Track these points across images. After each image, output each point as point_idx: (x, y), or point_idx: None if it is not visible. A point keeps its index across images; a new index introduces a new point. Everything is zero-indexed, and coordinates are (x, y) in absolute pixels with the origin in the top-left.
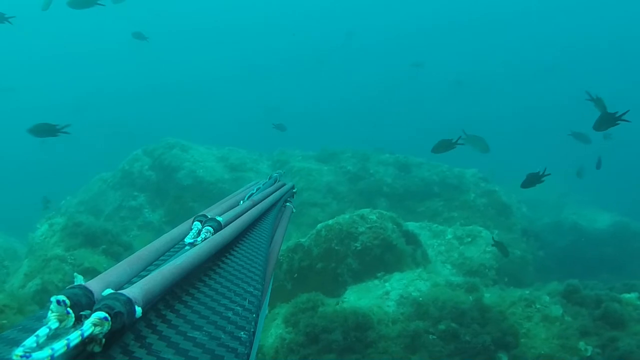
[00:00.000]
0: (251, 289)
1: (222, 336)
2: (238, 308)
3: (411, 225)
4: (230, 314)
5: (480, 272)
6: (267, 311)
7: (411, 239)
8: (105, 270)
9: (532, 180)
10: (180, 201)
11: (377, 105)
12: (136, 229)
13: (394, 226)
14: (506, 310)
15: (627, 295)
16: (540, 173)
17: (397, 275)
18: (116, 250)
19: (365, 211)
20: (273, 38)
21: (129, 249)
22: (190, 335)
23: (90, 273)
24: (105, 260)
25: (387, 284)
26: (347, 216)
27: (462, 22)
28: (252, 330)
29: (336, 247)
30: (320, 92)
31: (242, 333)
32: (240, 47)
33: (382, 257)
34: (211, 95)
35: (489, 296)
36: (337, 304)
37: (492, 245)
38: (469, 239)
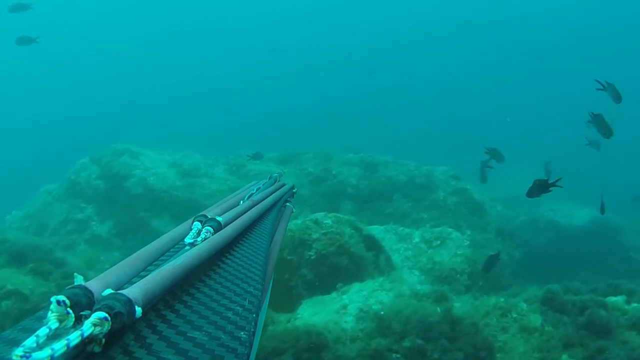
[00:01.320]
0: (251, 289)
1: (222, 336)
2: (238, 308)
3: (374, 229)
4: (230, 314)
5: (451, 277)
6: (266, 311)
7: (373, 244)
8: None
9: (539, 188)
10: (130, 211)
11: (343, 104)
12: (83, 243)
13: (353, 231)
14: (479, 321)
15: (612, 299)
16: (550, 181)
17: (356, 286)
18: (47, 269)
19: (319, 215)
20: (235, 38)
21: (61, 266)
22: (190, 335)
23: (14, 295)
24: (32, 280)
25: (345, 297)
26: (299, 222)
27: (431, 19)
28: (252, 330)
29: (289, 257)
30: (287, 92)
31: (242, 333)
32: (200, 50)
33: (340, 266)
34: (170, 98)
35: (460, 306)
36: (289, 321)
37: (491, 258)
38: (438, 242)
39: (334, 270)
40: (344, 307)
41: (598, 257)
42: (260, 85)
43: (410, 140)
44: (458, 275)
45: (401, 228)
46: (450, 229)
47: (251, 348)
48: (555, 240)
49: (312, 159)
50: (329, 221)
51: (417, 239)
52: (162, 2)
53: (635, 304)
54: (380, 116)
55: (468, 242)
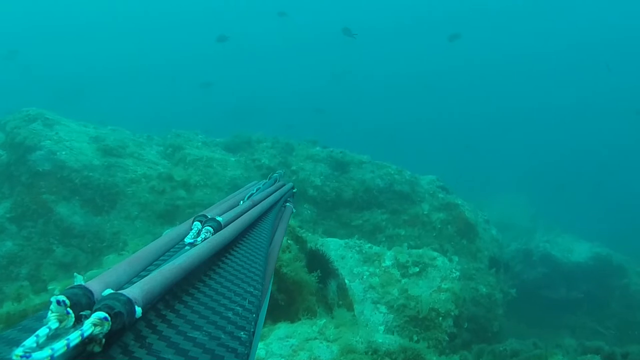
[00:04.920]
0: (251, 289)
1: (222, 336)
2: (238, 308)
3: (331, 243)
4: (230, 313)
5: (430, 321)
6: (266, 311)
7: (322, 264)
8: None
9: None
10: (32, 191)
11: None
12: None
13: (291, 242)
14: None
15: None
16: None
17: (282, 329)
18: None
19: None
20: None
21: None
22: (190, 335)
23: None
24: None
25: (261, 348)
26: None
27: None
28: (252, 330)
29: None
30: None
31: (242, 333)
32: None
33: None
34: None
35: None
36: None
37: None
38: (417, 269)
39: None
40: None
41: (599, 301)
42: (226, 70)
43: (393, 142)
44: (440, 319)
45: (368, 245)
46: (434, 253)
47: (251, 348)
48: (550, 277)
49: (268, 148)
50: None
51: (388, 262)
52: None
53: None
54: (358, 112)
55: (458, 274)
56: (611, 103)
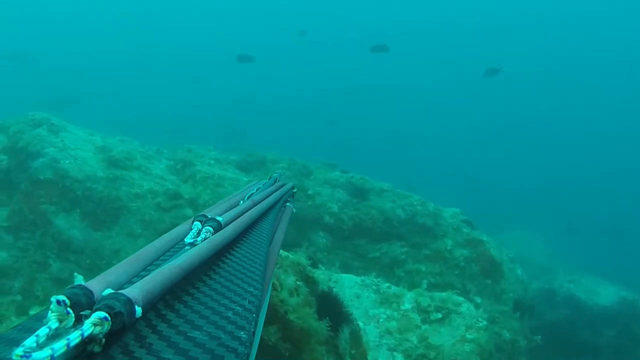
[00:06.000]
0: (251, 289)
1: (222, 336)
2: (238, 308)
3: (346, 280)
4: (230, 313)
5: None
6: (266, 311)
7: (334, 308)
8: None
9: None
10: (31, 200)
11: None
12: None
13: (300, 283)
14: None
15: None
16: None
17: None
18: None
19: None
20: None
21: None
22: (191, 335)
23: None
24: None
25: None
26: None
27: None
28: (252, 330)
29: None
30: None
31: (242, 333)
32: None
33: (264, 344)
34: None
35: None
36: None
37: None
38: (440, 315)
39: None
40: None
41: (623, 348)
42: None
43: (413, 170)
44: None
45: (387, 285)
46: (459, 298)
47: (251, 348)
48: (573, 319)
49: (284, 169)
50: None
51: (408, 305)
52: None
53: None
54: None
55: (484, 323)
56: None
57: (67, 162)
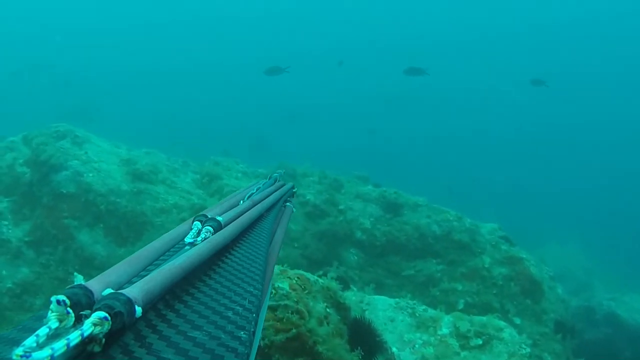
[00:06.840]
0: (251, 289)
1: (222, 336)
2: (238, 308)
3: (379, 303)
4: (230, 313)
5: None
6: (266, 311)
7: (367, 336)
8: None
9: None
10: (53, 214)
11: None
12: None
13: (330, 310)
14: None
15: None
16: None
17: None
18: None
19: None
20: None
21: None
22: (190, 335)
23: None
24: None
25: None
26: None
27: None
28: (252, 330)
29: None
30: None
31: (242, 333)
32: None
33: None
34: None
35: None
36: None
37: None
38: (480, 341)
39: None
40: None
41: None
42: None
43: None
44: None
45: (423, 307)
46: (501, 323)
47: (251, 348)
48: (614, 339)
49: (315, 183)
50: (285, 285)
51: (445, 330)
52: None
53: None
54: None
55: (528, 350)
56: None
57: (90, 175)
